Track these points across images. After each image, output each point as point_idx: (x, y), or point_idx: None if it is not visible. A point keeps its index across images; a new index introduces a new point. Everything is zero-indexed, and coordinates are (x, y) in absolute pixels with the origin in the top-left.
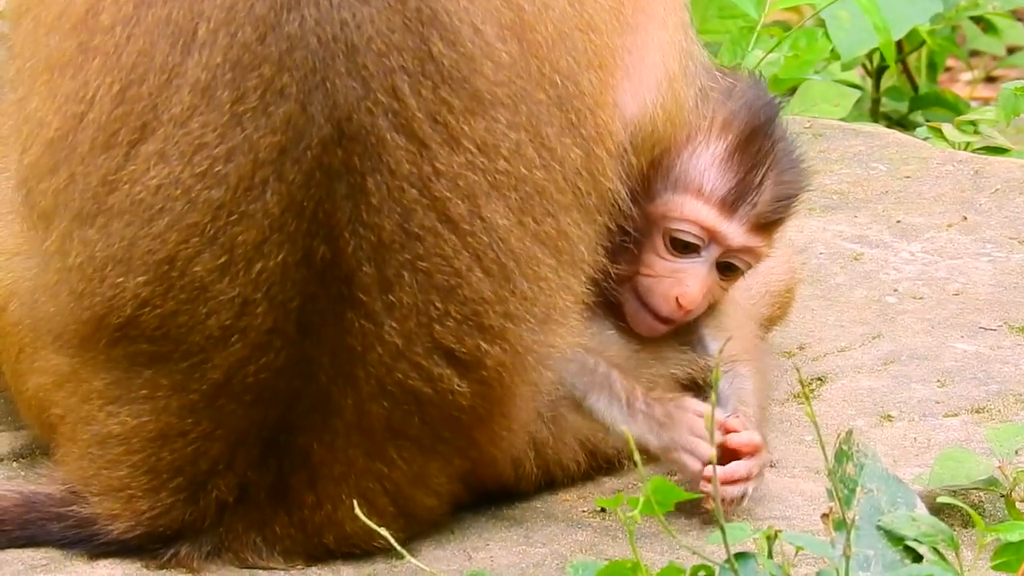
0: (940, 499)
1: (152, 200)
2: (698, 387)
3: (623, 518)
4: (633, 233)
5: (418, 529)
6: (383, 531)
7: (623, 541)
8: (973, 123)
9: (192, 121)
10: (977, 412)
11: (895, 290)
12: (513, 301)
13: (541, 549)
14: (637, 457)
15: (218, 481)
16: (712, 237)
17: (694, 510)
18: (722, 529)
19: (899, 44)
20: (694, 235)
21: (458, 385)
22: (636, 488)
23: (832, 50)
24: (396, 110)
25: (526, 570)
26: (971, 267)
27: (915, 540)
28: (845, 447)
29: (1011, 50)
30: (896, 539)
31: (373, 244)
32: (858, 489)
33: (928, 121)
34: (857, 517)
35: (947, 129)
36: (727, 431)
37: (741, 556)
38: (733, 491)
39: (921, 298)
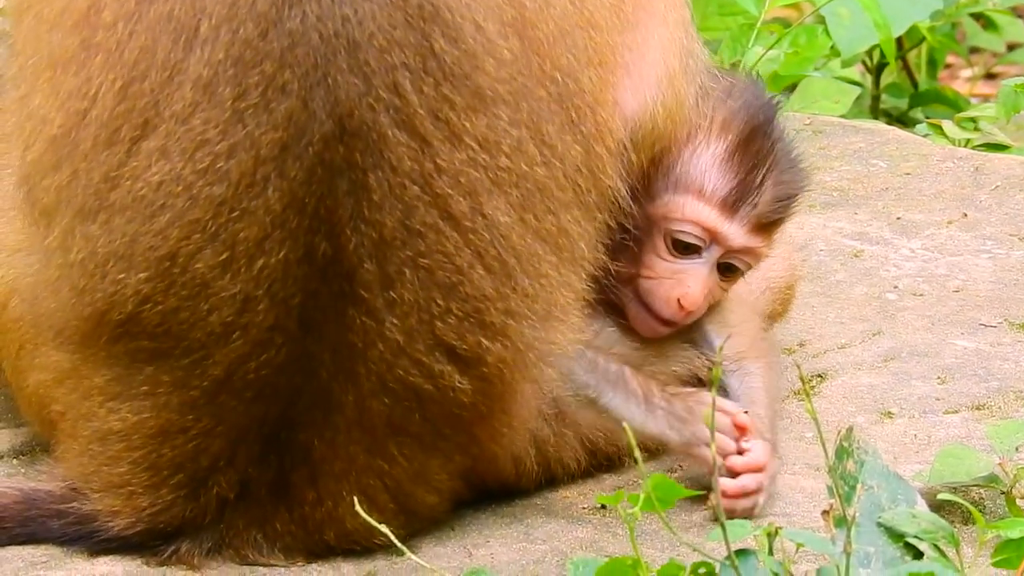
0: (940, 496)
1: (154, 196)
2: (703, 384)
3: (623, 515)
4: (634, 234)
5: (418, 526)
6: (383, 528)
7: (623, 538)
8: (973, 120)
9: (194, 117)
10: (977, 409)
11: (895, 287)
12: (514, 298)
13: (541, 546)
14: (638, 454)
15: (219, 477)
16: (713, 238)
17: (703, 503)
18: (723, 526)
19: (899, 41)
20: (695, 236)
21: (459, 382)
22: (636, 485)
23: (832, 47)
24: (398, 106)
25: (526, 567)
26: (971, 264)
27: (915, 537)
28: (846, 444)
29: (1011, 47)
30: (896, 536)
31: (374, 241)
32: (858, 486)
33: (928, 118)
34: (858, 514)
35: (947, 126)
36: (739, 428)
37: (742, 553)
38: (744, 504)
39: (921, 295)
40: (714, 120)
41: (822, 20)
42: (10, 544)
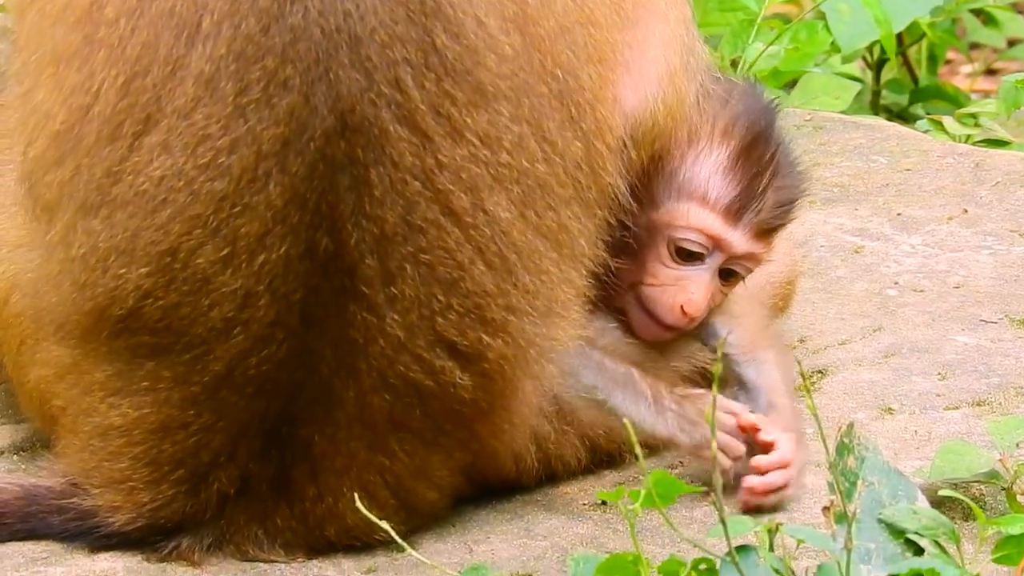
0: (941, 492)
1: (155, 191)
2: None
3: (624, 511)
4: (636, 241)
5: (419, 522)
6: (384, 524)
7: (624, 534)
8: (974, 116)
9: (196, 113)
10: (978, 405)
11: (896, 283)
12: (515, 294)
13: (542, 542)
14: (638, 450)
15: (219, 473)
16: (716, 245)
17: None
18: (723, 522)
19: (899, 37)
20: (699, 243)
21: (460, 378)
22: (637, 481)
23: (832, 43)
24: (399, 102)
25: (527, 563)
26: (972, 260)
27: (916, 533)
28: (846, 440)
29: (1011, 43)
30: (897, 532)
31: (376, 236)
32: (859, 482)
33: (929, 114)
34: (858, 510)
35: (948, 122)
36: (744, 429)
37: (742, 549)
38: (772, 500)
39: (922, 291)
40: (715, 127)
41: (822, 16)
42: (10, 540)
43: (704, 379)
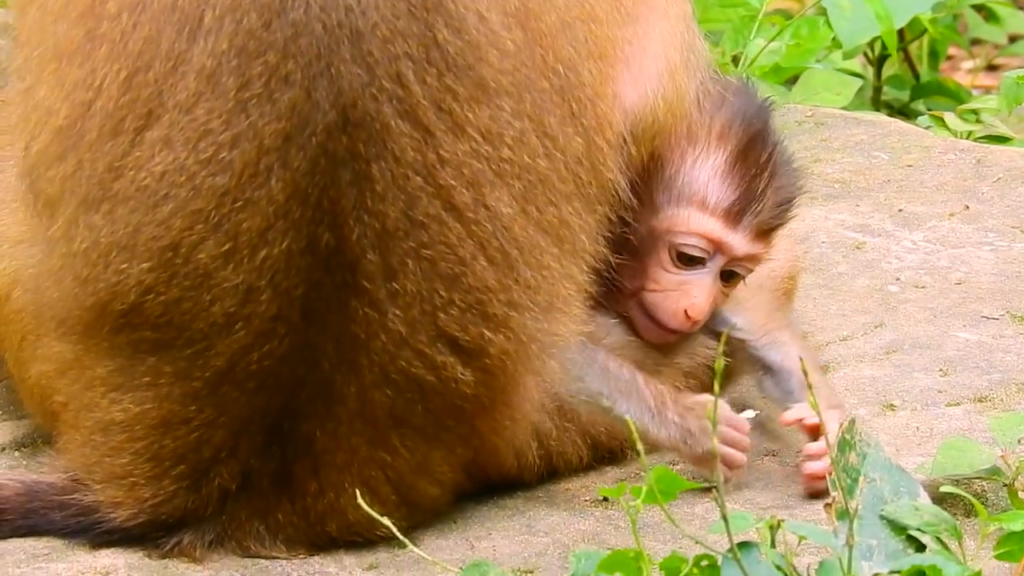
0: (943, 488)
1: (157, 186)
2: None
3: (626, 507)
4: (637, 248)
5: (421, 518)
6: (385, 520)
7: (626, 530)
8: (975, 112)
9: (197, 108)
10: (979, 401)
11: (897, 279)
12: (516, 289)
13: (543, 538)
14: (640, 447)
15: (221, 469)
16: (718, 248)
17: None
18: (725, 518)
19: (901, 33)
20: (700, 248)
21: (461, 373)
22: (639, 477)
23: (834, 39)
24: (401, 97)
25: (528, 559)
26: (973, 256)
27: (918, 529)
28: (848, 436)
29: (1013, 38)
30: (899, 528)
31: (377, 232)
32: (861, 478)
33: (930, 110)
34: (860, 506)
35: (949, 118)
36: (809, 428)
37: (744, 545)
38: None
39: (923, 287)
40: (711, 129)
41: (823, 12)
42: (12, 536)
43: (711, 370)
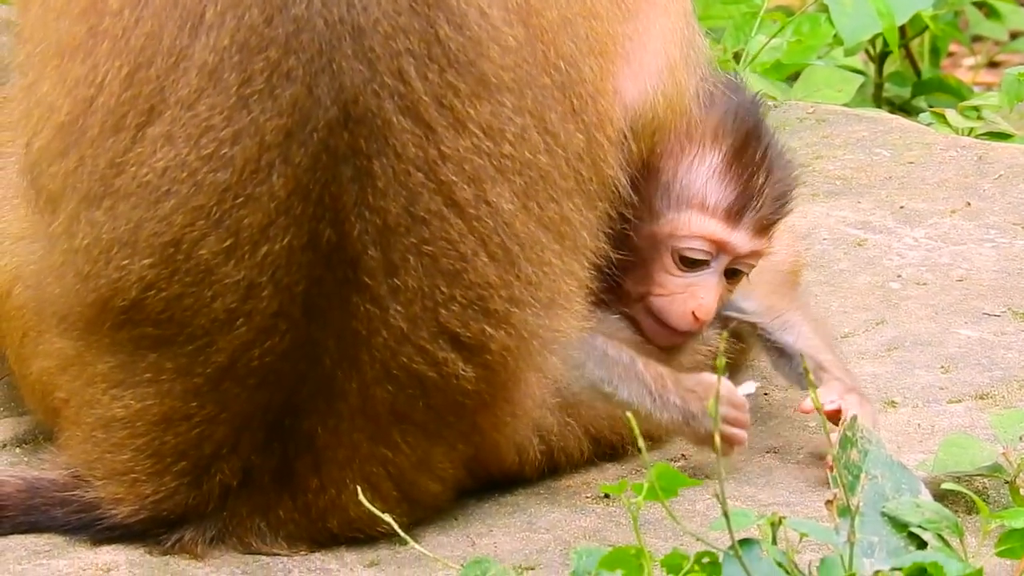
0: (944, 485)
1: (159, 182)
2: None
3: (627, 504)
4: (639, 254)
5: (422, 514)
6: (386, 517)
7: (627, 527)
8: (976, 109)
9: (199, 104)
10: (981, 398)
11: (899, 276)
12: (518, 285)
13: (545, 535)
14: (641, 443)
15: (222, 465)
16: (721, 248)
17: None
18: (726, 516)
19: (902, 29)
20: (704, 250)
21: (463, 369)
22: (640, 474)
23: (835, 35)
24: (402, 93)
25: (529, 556)
26: (975, 253)
27: (919, 526)
28: (849, 433)
29: (1014, 35)
30: (900, 525)
31: (379, 228)
32: (862, 475)
33: (931, 107)
34: (861, 503)
35: (950, 115)
36: (829, 415)
37: (745, 542)
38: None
39: (925, 284)
40: (705, 131)
41: (825, 8)
42: (13, 533)
43: (714, 354)
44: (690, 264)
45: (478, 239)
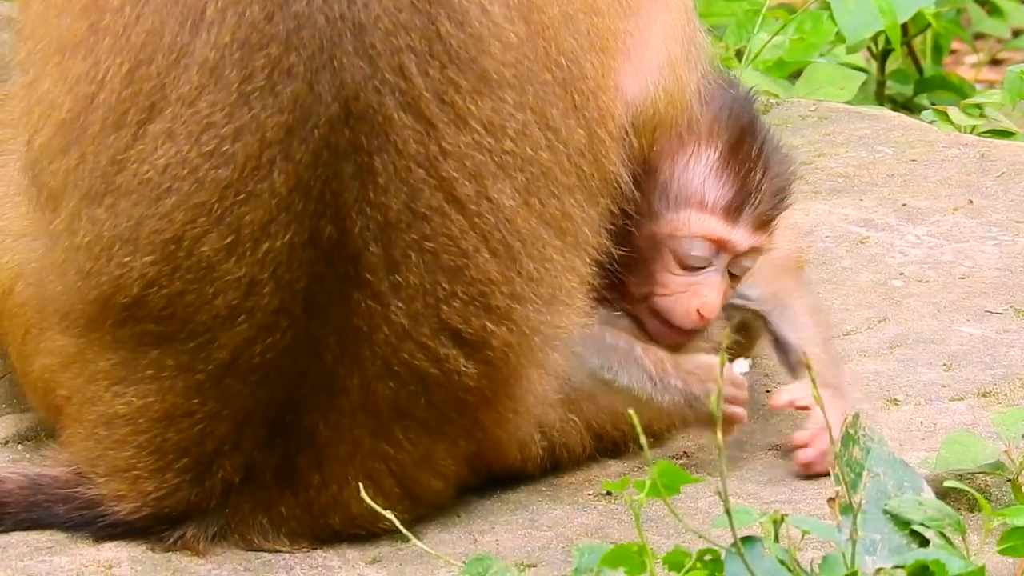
0: (946, 483)
1: (160, 179)
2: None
3: (629, 502)
4: (641, 255)
5: (424, 511)
6: (388, 514)
7: (629, 525)
8: (979, 106)
9: (200, 101)
10: (983, 396)
11: (901, 273)
12: (519, 282)
13: (547, 532)
14: (643, 440)
15: (224, 462)
16: (722, 246)
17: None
18: (728, 513)
19: (904, 27)
20: (705, 248)
21: (464, 366)
22: (642, 471)
23: (837, 33)
24: (403, 89)
25: (531, 553)
26: (977, 251)
27: (921, 524)
28: (851, 431)
29: (1016, 33)
30: (902, 523)
31: (380, 224)
32: (864, 473)
33: (933, 104)
34: (863, 501)
35: (953, 112)
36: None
37: (747, 540)
38: (821, 467)
39: (927, 282)
40: (700, 129)
41: (827, 6)
42: (15, 530)
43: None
44: (691, 263)
45: (479, 235)
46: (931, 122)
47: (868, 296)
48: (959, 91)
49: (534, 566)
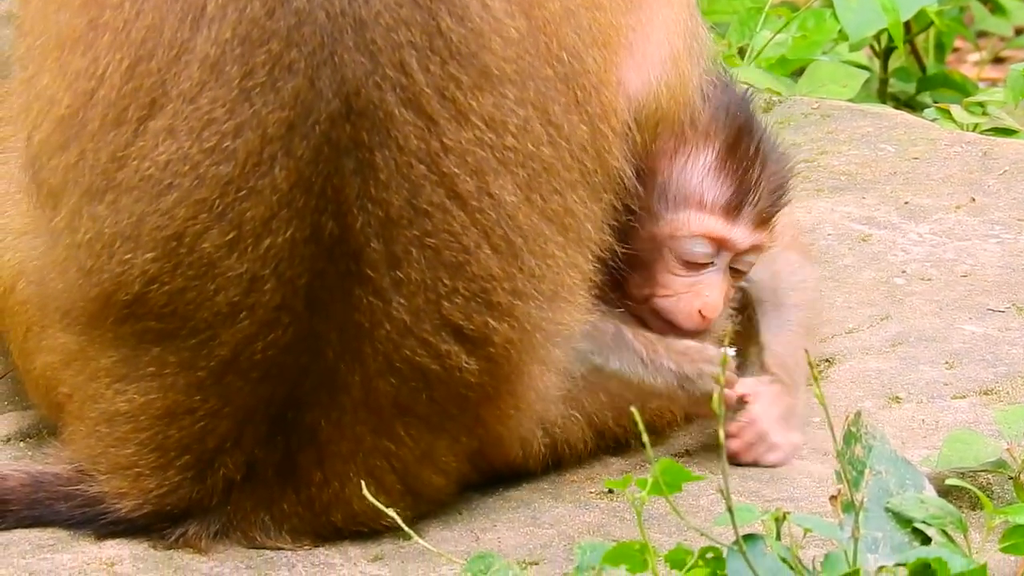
0: (948, 481)
1: (161, 176)
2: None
3: (631, 499)
4: (642, 256)
5: (425, 508)
6: (390, 511)
7: (631, 522)
8: (981, 104)
9: (201, 97)
10: (985, 394)
11: (903, 272)
12: (521, 278)
13: (548, 530)
14: (646, 438)
15: (225, 459)
16: (722, 245)
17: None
18: (730, 511)
19: (907, 25)
20: (705, 248)
21: (466, 362)
22: (644, 469)
23: (840, 31)
24: (404, 85)
25: (533, 551)
26: (979, 249)
27: (923, 522)
28: (853, 429)
29: (1019, 31)
30: (904, 521)
31: (381, 220)
32: (866, 471)
33: (936, 102)
34: (865, 499)
35: (955, 110)
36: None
37: (749, 538)
38: (765, 457)
39: (929, 280)
40: (697, 129)
41: (830, 4)
42: (17, 527)
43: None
44: (692, 263)
45: (481, 231)
46: (933, 120)
47: (870, 294)
48: (962, 89)
49: (536, 564)
